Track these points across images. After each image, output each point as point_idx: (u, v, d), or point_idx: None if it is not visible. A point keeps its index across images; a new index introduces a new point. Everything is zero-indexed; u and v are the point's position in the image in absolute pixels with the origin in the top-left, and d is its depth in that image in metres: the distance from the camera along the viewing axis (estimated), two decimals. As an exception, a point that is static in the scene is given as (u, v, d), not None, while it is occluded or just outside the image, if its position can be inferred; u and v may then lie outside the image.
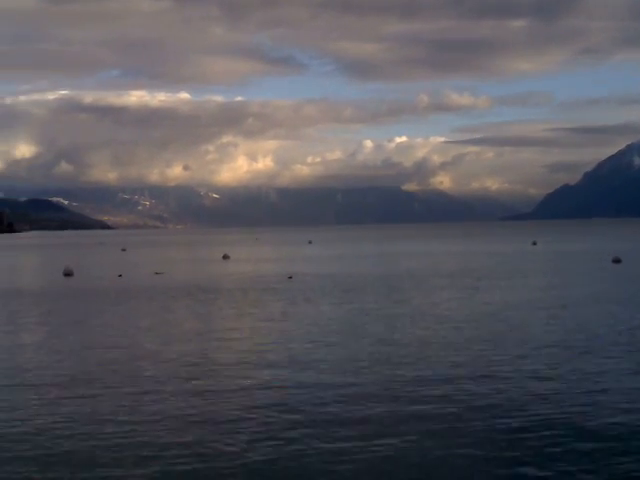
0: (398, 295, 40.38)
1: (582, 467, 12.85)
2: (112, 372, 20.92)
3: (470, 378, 19.37)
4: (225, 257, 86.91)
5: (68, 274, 62.09)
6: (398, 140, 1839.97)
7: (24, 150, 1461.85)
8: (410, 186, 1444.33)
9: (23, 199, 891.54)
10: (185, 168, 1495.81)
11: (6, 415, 16.60)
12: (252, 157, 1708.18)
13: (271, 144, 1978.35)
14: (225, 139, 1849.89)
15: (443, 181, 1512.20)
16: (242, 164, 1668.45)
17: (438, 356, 22.47)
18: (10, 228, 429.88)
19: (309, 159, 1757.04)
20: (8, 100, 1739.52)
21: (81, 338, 27.41)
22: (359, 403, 17.08)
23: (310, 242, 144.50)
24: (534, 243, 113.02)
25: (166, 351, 24.14)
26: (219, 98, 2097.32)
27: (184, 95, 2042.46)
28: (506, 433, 14.69)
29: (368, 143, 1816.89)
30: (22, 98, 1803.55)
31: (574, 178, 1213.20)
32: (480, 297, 38.92)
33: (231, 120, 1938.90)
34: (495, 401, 17.08)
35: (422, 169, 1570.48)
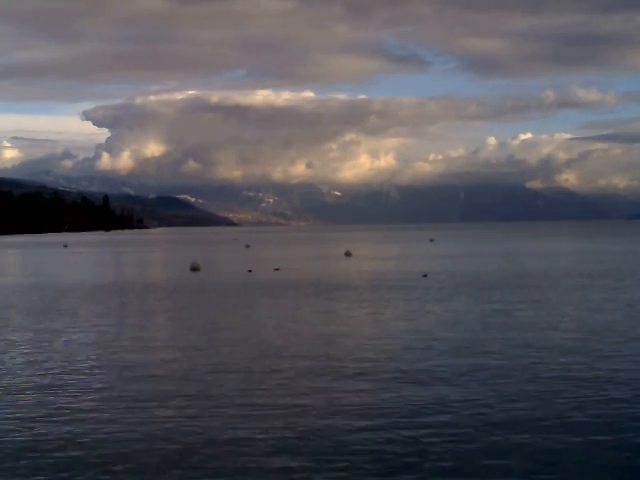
0: (535, 295, 38.39)
1: None
2: (243, 368, 20.25)
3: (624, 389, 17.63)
4: (347, 254, 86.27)
5: (195, 269, 62.78)
6: (523, 137, 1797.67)
7: (153, 149, 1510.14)
8: (534, 184, 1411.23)
9: (152, 196, 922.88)
10: (308, 166, 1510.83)
11: (141, 410, 16.09)
12: (374, 155, 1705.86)
13: (393, 142, 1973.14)
14: (348, 137, 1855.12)
15: (568, 179, 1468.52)
16: (364, 162, 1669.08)
17: (587, 366, 20.67)
18: (140, 224, 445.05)
19: (431, 156, 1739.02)
20: (138, 100, 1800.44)
21: (213, 333, 27.01)
22: (497, 408, 15.70)
23: (432, 240, 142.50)
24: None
25: (296, 348, 23.30)
26: (342, 96, 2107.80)
27: (308, 94, 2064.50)
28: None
29: (492, 140, 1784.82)
30: (152, 98, 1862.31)
31: None
32: (624, 298, 36.50)
33: (354, 118, 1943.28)
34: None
35: (547, 166, 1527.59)
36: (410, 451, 13.34)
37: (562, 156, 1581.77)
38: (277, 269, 61.61)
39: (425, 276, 51.46)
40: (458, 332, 26.28)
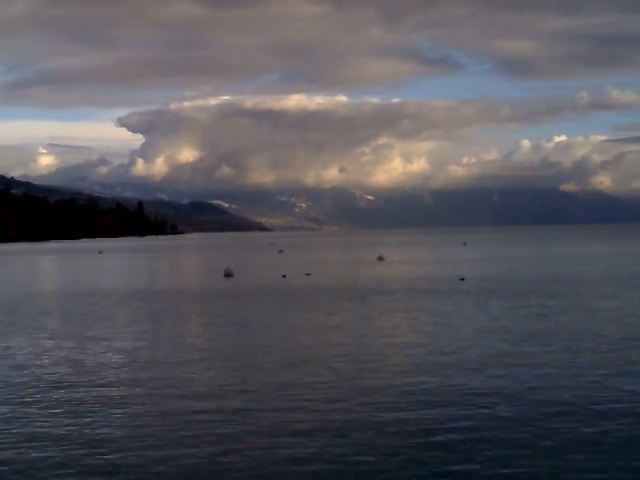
0: (575, 299, 37.68)
1: None
2: (280, 375, 20.03)
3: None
4: (380, 258, 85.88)
5: (228, 275, 62.75)
6: (557, 139, 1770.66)
7: (187, 154, 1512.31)
8: (569, 186, 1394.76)
9: (186, 202, 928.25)
10: (341, 170, 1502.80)
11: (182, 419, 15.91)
12: (407, 158, 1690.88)
13: (426, 145, 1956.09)
14: (381, 141, 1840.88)
15: (603, 181, 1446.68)
16: (397, 166, 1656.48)
17: (631, 374, 20.14)
18: (174, 230, 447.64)
19: (464, 160, 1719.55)
20: (173, 106, 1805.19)
21: (249, 339, 26.85)
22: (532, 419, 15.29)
23: (465, 244, 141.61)
24: None
25: (331, 354, 23.02)
26: (375, 100, 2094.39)
27: (341, 98, 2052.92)
28: None
29: (525, 143, 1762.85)
30: (186, 104, 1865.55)
31: None
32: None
33: (387, 122, 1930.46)
34: None
35: (582, 169, 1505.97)
36: (441, 468, 13.02)
37: (597, 158, 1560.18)
38: (308, 274, 61.34)
39: (462, 280, 50.94)
40: (499, 340, 25.77)
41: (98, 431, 15.21)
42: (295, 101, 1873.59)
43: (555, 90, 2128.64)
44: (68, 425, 15.69)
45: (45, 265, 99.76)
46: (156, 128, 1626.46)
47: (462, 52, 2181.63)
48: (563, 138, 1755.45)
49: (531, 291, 42.54)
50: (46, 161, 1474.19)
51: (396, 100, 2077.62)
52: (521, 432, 14.55)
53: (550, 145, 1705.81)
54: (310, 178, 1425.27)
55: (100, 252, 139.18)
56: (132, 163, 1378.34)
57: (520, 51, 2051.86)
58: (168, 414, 16.43)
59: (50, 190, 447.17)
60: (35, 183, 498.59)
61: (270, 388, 18.74)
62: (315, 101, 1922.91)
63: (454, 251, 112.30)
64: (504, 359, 21.86)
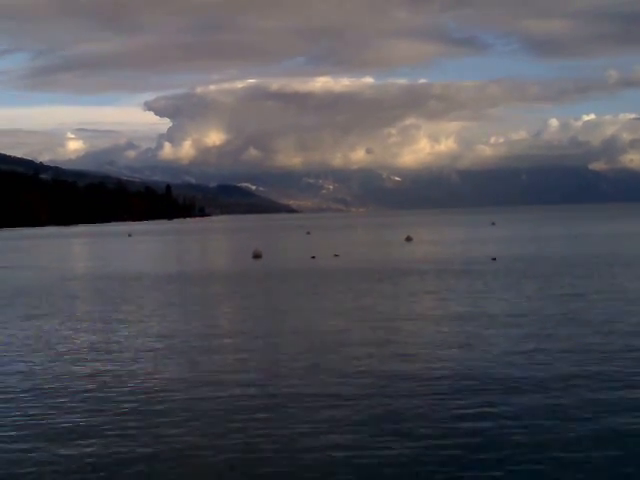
0: (609, 280, 37.14)
1: None
2: (313, 356, 19.95)
3: None
4: (408, 239, 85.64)
5: (257, 256, 62.87)
6: (586, 118, 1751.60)
7: (214, 137, 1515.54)
8: (598, 165, 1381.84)
9: (213, 185, 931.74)
10: (368, 151, 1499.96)
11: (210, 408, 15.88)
12: (434, 139, 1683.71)
13: (454, 125, 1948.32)
14: (408, 121, 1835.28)
15: (633, 159, 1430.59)
16: (424, 146, 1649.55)
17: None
18: (202, 212, 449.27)
19: (492, 139, 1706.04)
20: (199, 90, 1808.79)
21: (280, 320, 26.83)
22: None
23: (493, 224, 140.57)
24: None
25: (362, 337, 22.91)
26: (402, 81, 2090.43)
27: (368, 79, 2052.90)
28: None
29: (554, 122, 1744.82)
30: (212, 87, 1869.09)
31: None
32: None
33: (414, 102, 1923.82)
34: None
35: (611, 147, 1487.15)
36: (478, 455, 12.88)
37: (626, 136, 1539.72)
38: (337, 255, 61.32)
39: (494, 259, 50.60)
40: (532, 322, 25.47)
41: (131, 417, 15.23)
42: (321, 83, 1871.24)
43: (584, 69, 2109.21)
44: (102, 411, 15.72)
45: (76, 249, 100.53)
46: (183, 112, 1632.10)
47: (490, 32, 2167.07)
48: (592, 117, 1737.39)
49: (564, 272, 42.06)
50: (74, 146, 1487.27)
51: (423, 81, 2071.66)
52: (552, 419, 14.33)
53: (579, 124, 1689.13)
54: (337, 160, 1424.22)
55: (130, 235, 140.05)
56: (160, 147, 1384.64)
57: (548, 30, 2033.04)
58: (201, 399, 16.41)
59: (79, 174, 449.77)
60: (64, 168, 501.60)
61: (301, 373, 18.61)
62: (341, 83, 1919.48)
63: (483, 231, 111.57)
64: (538, 342, 21.57)
